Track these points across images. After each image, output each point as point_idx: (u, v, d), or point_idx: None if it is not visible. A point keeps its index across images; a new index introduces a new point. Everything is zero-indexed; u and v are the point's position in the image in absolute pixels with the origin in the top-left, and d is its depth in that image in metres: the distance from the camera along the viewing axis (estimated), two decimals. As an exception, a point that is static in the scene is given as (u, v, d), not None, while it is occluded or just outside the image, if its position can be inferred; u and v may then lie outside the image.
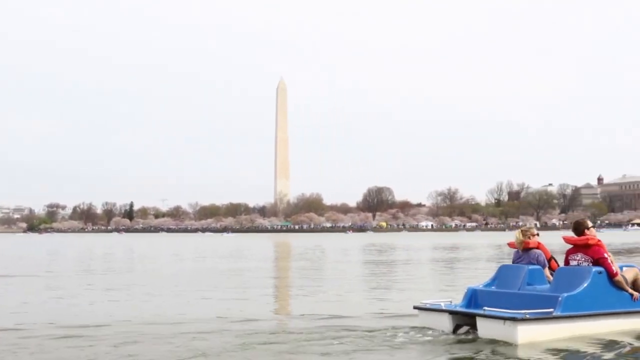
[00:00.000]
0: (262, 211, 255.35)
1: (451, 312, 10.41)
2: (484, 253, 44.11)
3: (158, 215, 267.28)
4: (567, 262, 10.70)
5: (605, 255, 10.24)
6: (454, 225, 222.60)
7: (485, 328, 9.69)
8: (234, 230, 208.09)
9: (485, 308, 9.89)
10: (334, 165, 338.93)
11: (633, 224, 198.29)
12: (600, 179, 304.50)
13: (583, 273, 10.04)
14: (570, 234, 11.40)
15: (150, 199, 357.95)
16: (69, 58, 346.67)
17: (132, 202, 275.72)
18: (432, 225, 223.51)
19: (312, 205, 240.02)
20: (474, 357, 8.75)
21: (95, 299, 16.75)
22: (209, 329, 11.35)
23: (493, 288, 10.89)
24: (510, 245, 11.49)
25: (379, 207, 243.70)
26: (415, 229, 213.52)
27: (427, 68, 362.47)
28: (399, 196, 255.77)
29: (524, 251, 11.14)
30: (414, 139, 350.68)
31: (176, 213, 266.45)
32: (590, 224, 10.95)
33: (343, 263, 34.05)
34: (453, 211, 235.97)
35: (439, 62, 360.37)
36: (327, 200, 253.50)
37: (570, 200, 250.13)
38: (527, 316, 9.31)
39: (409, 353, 9.12)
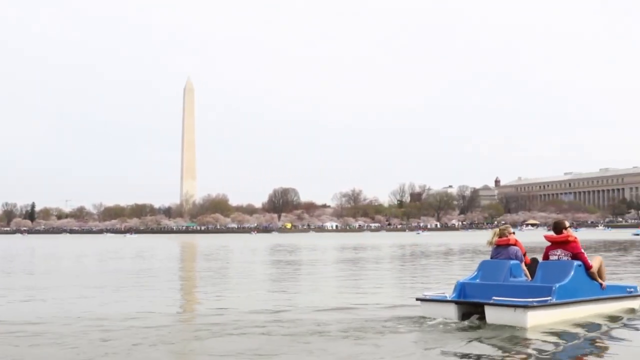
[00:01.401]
0: (168, 212, 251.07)
1: (457, 302, 11.40)
2: (391, 252, 45.19)
3: (61, 216, 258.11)
4: (546, 257, 12.07)
5: (582, 250, 11.81)
6: (357, 226, 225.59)
7: (495, 315, 10.81)
8: (138, 231, 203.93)
9: (494, 298, 10.95)
10: (240, 166, 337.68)
11: (528, 225, 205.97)
12: (497, 181, 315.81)
13: (567, 266, 11.49)
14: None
15: (53, 200, 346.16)
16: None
17: (33, 202, 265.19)
18: (336, 225, 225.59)
19: (217, 206, 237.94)
20: (496, 338, 9.86)
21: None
22: (116, 327, 11.27)
23: (478, 281, 11.99)
24: (497, 242, 12.61)
25: (285, 208, 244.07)
26: (321, 229, 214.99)
27: (334, 73, 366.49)
28: (304, 197, 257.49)
29: (503, 247, 12.38)
30: (319, 141, 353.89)
31: (79, 214, 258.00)
32: (568, 224, 12.38)
33: (251, 263, 34.11)
34: (357, 212, 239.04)
35: (345, 67, 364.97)
36: (233, 201, 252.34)
37: (469, 201, 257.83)
38: (535, 303, 10.59)
39: (439, 337, 10.05)
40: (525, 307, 10.50)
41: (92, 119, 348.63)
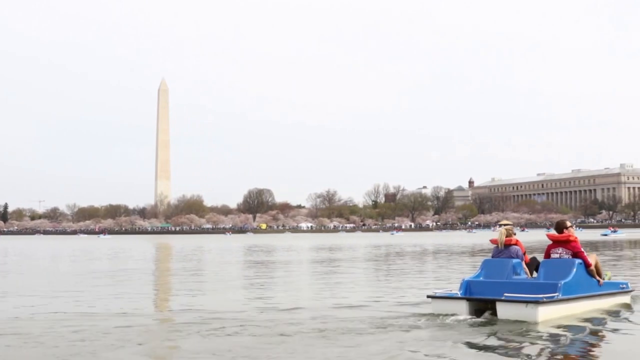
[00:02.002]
0: (142, 213, 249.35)
1: (469, 299, 11.90)
2: (368, 252, 45.29)
3: (34, 217, 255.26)
4: (547, 255, 12.74)
5: (583, 249, 12.56)
6: (332, 227, 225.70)
7: (506, 311, 11.33)
8: (112, 232, 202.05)
9: (506, 294, 11.52)
10: (215, 167, 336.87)
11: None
12: (471, 182, 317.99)
13: (570, 264, 12.15)
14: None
15: (26, 200, 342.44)
16: None
17: (6, 203, 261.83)
18: (311, 226, 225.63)
19: (192, 206, 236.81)
20: (512, 332, 10.34)
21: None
22: (89, 327, 11.18)
23: (481, 279, 12.60)
24: (493, 241, 13.47)
25: (259, 209, 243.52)
26: (296, 230, 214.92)
27: (307, 73, 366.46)
28: (279, 198, 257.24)
29: (505, 247, 13.04)
30: (294, 142, 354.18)
31: (53, 215, 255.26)
32: (569, 223, 13.06)
33: (228, 264, 33.94)
34: (332, 213, 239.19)
35: (320, 68, 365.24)
36: (208, 202, 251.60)
37: (443, 202, 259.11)
38: (545, 299, 11.17)
39: (454, 333, 10.40)
40: (537, 302, 11.05)
41: (66, 118, 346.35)
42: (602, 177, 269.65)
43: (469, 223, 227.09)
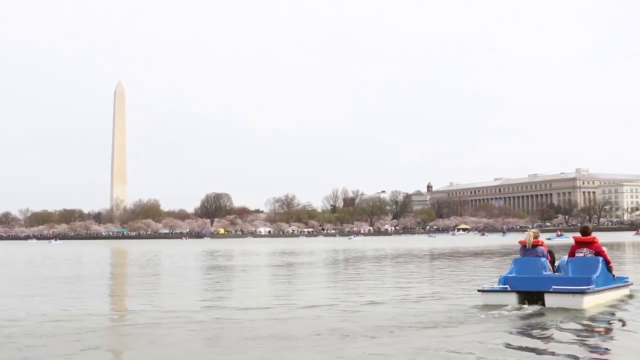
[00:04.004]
0: (98, 217, 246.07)
1: (518, 292, 13.71)
2: (334, 256, 44.69)
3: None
4: (572, 254, 14.72)
5: (604, 249, 14.69)
6: (291, 231, 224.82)
7: (554, 301, 13.27)
8: (67, 237, 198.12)
9: (554, 287, 13.39)
10: (173, 171, 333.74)
11: (459, 229, 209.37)
12: (429, 187, 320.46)
13: (595, 262, 14.28)
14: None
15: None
16: None
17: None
18: (270, 231, 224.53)
19: (149, 211, 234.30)
20: (559, 317, 12.07)
21: None
22: (38, 333, 10.94)
23: (514, 275, 14.37)
24: (521, 243, 15.19)
25: (217, 214, 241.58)
26: (255, 234, 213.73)
27: (266, 76, 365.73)
28: (237, 202, 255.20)
29: (532, 247, 14.91)
30: (252, 146, 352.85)
31: (5, 219, 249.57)
32: (591, 227, 15.37)
33: (185, 269, 33.08)
34: (290, 217, 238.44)
35: (278, 72, 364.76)
36: (165, 206, 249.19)
37: (401, 206, 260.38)
38: (587, 290, 13.20)
39: (504, 323, 11.75)
40: (583, 293, 13.11)
41: (18, 120, 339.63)
42: (558, 182, 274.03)
43: (428, 227, 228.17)
